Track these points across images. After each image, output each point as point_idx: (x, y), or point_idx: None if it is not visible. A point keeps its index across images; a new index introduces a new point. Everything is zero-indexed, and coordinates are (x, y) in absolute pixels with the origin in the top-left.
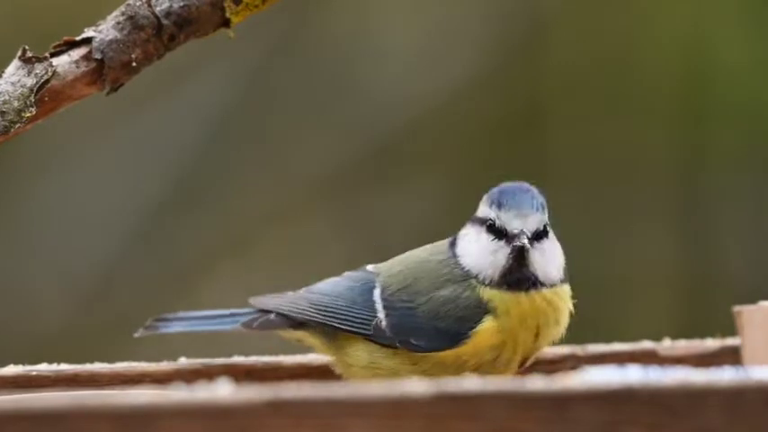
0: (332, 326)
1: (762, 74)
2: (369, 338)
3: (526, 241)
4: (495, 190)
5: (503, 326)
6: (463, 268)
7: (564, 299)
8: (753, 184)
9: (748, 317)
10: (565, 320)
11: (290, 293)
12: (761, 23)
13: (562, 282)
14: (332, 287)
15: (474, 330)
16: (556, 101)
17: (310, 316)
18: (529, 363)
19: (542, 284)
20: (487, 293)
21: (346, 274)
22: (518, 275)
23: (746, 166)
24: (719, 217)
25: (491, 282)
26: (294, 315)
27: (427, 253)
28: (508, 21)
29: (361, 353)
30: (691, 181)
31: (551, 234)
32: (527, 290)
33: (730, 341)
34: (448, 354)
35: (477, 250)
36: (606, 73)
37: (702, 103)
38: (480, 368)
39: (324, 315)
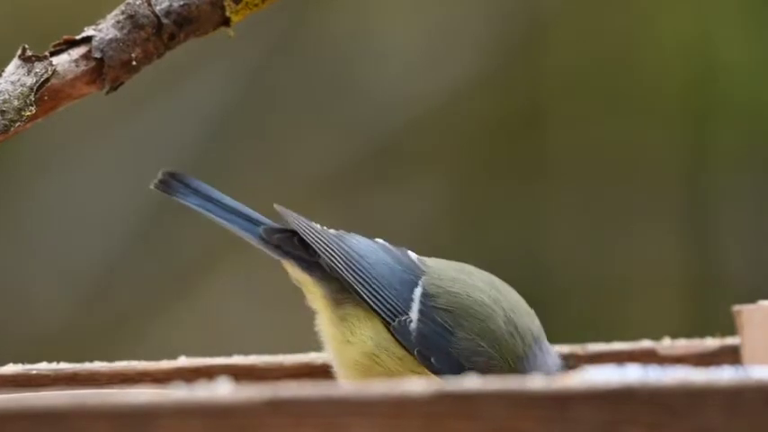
0: (356, 289)
1: (762, 74)
2: (387, 326)
3: None
4: None
5: None
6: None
7: None
8: (753, 184)
9: (748, 316)
10: None
11: (319, 227)
12: (761, 23)
13: None
14: (369, 251)
15: None
16: (556, 101)
17: (339, 267)
18: None
19: None
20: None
21: (383, 243)
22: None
23: (747, 166)
24: (720, 217)
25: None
26: (322, 253)
27: (494, 289)
28: (508, 21)
29: (367, 339)
30: (691, 181)
31: None
32: None
33: (730, 340)
34: None
35: None
36: (606, 73)
37: (703, 103)
38: None
39: (354, 275)
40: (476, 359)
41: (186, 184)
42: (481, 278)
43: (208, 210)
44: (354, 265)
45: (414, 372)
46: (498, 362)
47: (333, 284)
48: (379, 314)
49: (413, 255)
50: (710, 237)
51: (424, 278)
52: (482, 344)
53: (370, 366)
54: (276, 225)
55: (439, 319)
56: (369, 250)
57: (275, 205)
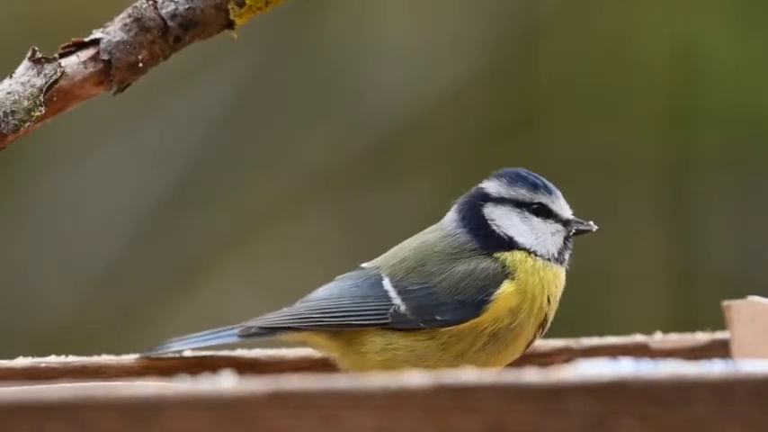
0: (345, 324)
1: (747, 75)
2: (385, 327)
3: (592, 226)
4: (525, 174)
5: (521, 287)
6: (517, 244)
7: (564, 280)
8: (737, 182)
9: (737, 311)
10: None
11: (286, 309)
12: (747, 26)
13: None
14: (329, 291)
15: (496, 294)
16: (550, 102)
17: (314, 322)
18: (542, 335)
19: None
20: (520, 259)
21: (339, 277)
22: (568, 253)
23: (731, 164)
24: (707, 214)
25: (549, 257)
26: (296, 327)
27: (424, 236)
28: (504, 24)
29: (373, 339)
30: (679, 179)
31: None
32: (562, 264)
33: (720, 335)
34: (466, 324)
35: (530, 230)
36: (597, 75)
37: (689, 103)
38: (496, 335)
39: (330, 317)
40: (464, 284)
41: (170, 342)
42: (413, 237)
43: (190, 343)
44: (323, 310)
45: (428, 337)
46: (477, 267)
47: (322, 331)
48: (373, 326)
49: (366, 264)
50: (698, 233)
51: (381, 271)
52: (456, 269)
53: (393, 356)
54: (248, 324)
55: (414, 287)
56: (326, 292)
57: (244, 324)
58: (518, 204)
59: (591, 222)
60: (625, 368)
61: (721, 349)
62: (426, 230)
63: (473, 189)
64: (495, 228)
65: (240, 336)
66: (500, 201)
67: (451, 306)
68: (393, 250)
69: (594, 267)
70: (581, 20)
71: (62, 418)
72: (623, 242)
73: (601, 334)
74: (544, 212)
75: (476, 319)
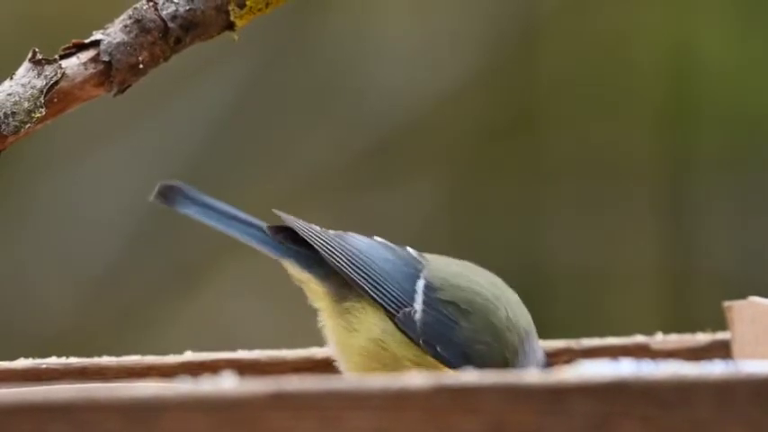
0: (361, 285)
1: (745, 76)
2: (391, 318)
3: None
4: None
5: None
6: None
7: None
8: (736, 183)
9: (738, 312)
10: None
11: (318, 228)
12: (745, 26)
13: None
14: (370, 248)
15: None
16: (549, 103)
17: (342, 264)
18: None
19: None
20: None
21: (382, 240)
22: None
23: (732, 164)
24: (707, 214)
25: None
26: (323, 250)
27: (498, 302)
28: (503, 25)
29: (373, 325)
30: (678, 180)
31: None
32: None
33: (720, 335)
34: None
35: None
36: (597, 76)
37: (689, 104)
38: None
39: (356, 270)
40: (478, 348)
41: (185, 194)
42: (483, 275)
43: (208, 217)
44: (356, 261)
45: (418, 358)
46: (497, 355)
47: (334, 281)
48: (383, 306)
49: (412, 250)
50: (696, 233)
51: (425, 271)
52: (485, 336)
53: (377, 352)
54: (277, 225)
55: (443, 310)
56: (369, 247)
57: (274, 210)
58: None
59: None
60: (626, 369)
61: (722, 350)
62: (499, 288)
63: None
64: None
65: (260, 241)
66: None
67: (457, 351)
68: (452, 268)
69: (594, 268)
70: (581, 20)
71: (63, 419)
72: (623, 242)
73: (601, 334)
74: None
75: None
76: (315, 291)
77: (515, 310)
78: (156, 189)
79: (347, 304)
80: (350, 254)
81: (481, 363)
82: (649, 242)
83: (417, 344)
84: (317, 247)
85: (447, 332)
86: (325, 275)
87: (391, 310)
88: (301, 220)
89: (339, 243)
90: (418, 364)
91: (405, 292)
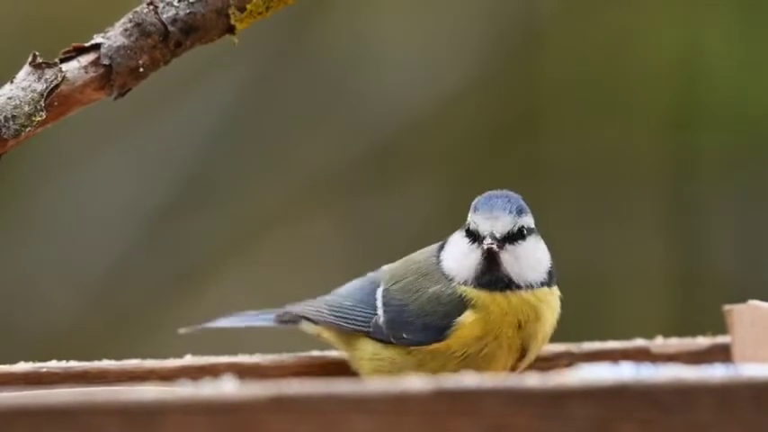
0: (338, 324)
1: (749, 78)
2: (368, 335)
3: (493, 243)
4: (486, 195)
5: (482, 318)
6: (443, 271)
7: (543, 300)
8: (738, 187)
9: (738, 315)
10: (548, 320)
11: (320, 297)
12: (749, 29)
13: (545, 284)
14: (347, 289)
15: (456, 321)
16: (550, 106)
17: (324, 317)
18: (526, 363)
19: (517, 286)
20: (466, 291)
21: (369, 275)
22: (489, 277)
23: (732, 169)
24: (709, 218)
25: (467, 283)
26: (313, 317)
27: (420, 254)
28: (505, 29)
29: (365, 346)
30: (681, 182)
31: (532, 237)
32: (501, 290)
33: (721, 339)
34: (435, 347)
35: (455, 254)
36: (598, 79)
37: (692, 106)
38: (468, 359)
39: (334, 316)
40: (431, 306)
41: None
42: (422, 250)
43: (236, 322)
44: (333, 307)
45: (406, 352)
46: (444, 290)
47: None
48: (357, 330)
49: (385, 267)
50: (700, 238)
51: (383, 278)
52: (427, 290)
53: (379, 366)
54: (282, 311)
55: (394, 301)
56: (345, 288)
57: (287, 306)
58: (464, 229)
59: (487, 239)
60: (626, 372)
61: (722, 353)
62: (431, 246)
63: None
64: (442, 251)
65: (276, 321)
66: (463, 226)
67: (417, 327)
68: (403, 258)
69: (596, 271)
70: (583, 22)
71: (63, 423)
72: (625, 245)
73: (602, 338)
74: (470, 234)
75: (438, 344)
76: (330, 339)
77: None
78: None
79: (348, 338)
80: (331, 304)
81: (442, 315)
82: (652, 245)
83: (391, 342)
84: (306, 314)
85: (403, 317)
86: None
87: (363, 329)
88: (302, 303)
89: (325, 300)
90: (408, 354)
91: (369, 307)
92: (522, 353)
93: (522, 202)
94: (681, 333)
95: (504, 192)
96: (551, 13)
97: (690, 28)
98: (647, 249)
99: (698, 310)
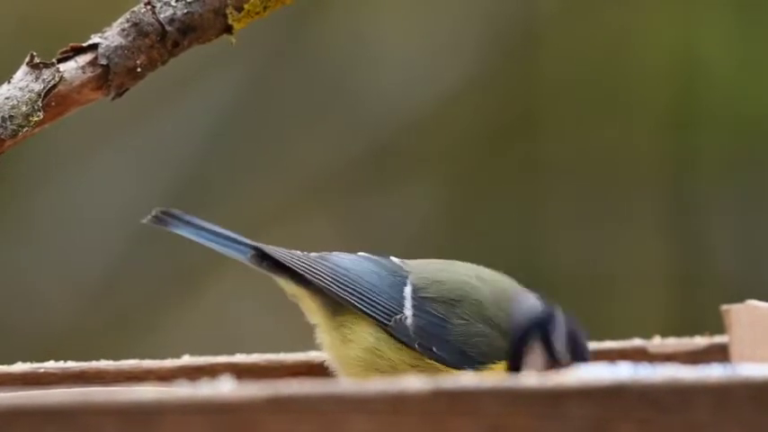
0: (348, 301)
1: (747, 78)
2: (384, 328)
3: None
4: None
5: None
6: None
7: None
8: (738, 186)
9: (736, 315)
10: None
11: (300, 253)
12: (748, 29)
13: None
14: (354, 264)
15: (491, 366)
16: (549, 106)
17: (327, 284)
18: None
19: None
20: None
21: (364, 254)
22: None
23: (732, 168)
24: (707, 218)
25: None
26: (309, 277)
27: (477, 279)
28: (504, 29)
29: (366, 335)
30: (679, 183)
31: None
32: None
33: (718, 339)
34: (457, 372)
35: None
36: (597, 79)
37: (691, 106)
38: None
39: (341, 287)
40: (475, 340)
41: (178, 218)
42: (463, 266)
43: (201, 237)
44: (341, 278)
45: (415, 361)
46: (495, 340)
47: (327, 296)
48: (374, 318)
49: (395, 259)
50: (698, 237)
51: (410, 276)
52: (478, 326)
53: (373, 361)
54: (264, 250)
55: (432, 310)
56: (353, 263)
57: (256, 244)
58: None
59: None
60: (624, 372)
61: (720, 353)
62: (483, 272)
63: (559, 315)
64: (522, 342)
65: (251, 257)
66: (544, 339)
67: (452, 349)
68: (434, 266)
69: (595, 271)
70: (581, 23)
71: (61, 423)
72: (625, 246)
73: (599, 338)
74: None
75: (466, 372)
76: (309, 306)
77: (496, 279)
78: (152, 213)
79: (341, 318)
80: (335, 273)
81: (480, 353)
82: (651, 245)
83: (413, 348)
84: (300, 271)
85: (440, 332)
86: (317, 291)
87: (382, 320)
88: (282, 249)
89: (323, 264)
90: (415, 367)
91: (393, 301)
92: None
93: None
94: (679, 333)
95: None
96: (550, 13)
97: (689, 27)
98: (646, 249)
99: (697, 310)
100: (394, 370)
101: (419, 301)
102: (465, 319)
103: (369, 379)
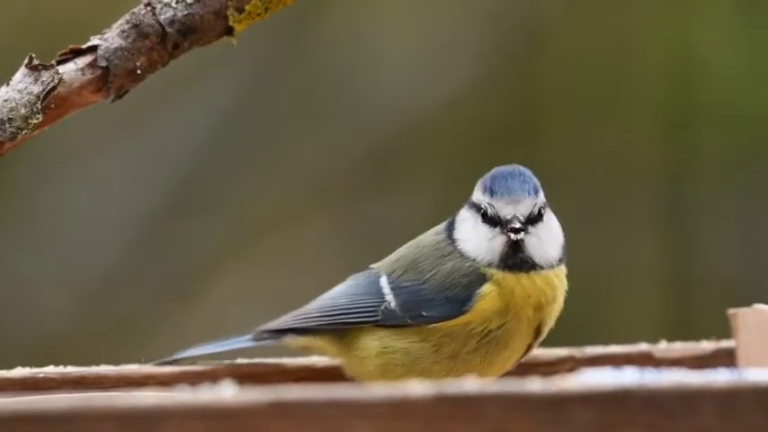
0: (338, 322)
1: (748, 79)
2: (377, 325)
3: (520, 231)
4: (488, 175)
5: (503, 290)
6: (462, 252)
7: (561, 279)
8: (736, 188)
9: (742, 319)
10: (561, 299)
11: (294, 312)
12: (749, 30)
13: (561, 261)
14: (334, 291)
15: (478, 292)
16: (550, 109)
17: (317, 322)
18: (537, 343)
19: (540, 267)
20: (490, 272)
21: (351, 277)
22: (515, 260)
23: (734, 168)
24: (710, 219)
25: (491, 265)
26: (299, 327)
27: (425, 239)
28: (505, 31)
29: (371, 342)
30: (680, 184)
31: (548, 215)
32: (526, 271)
33: (725, 343)
34: (456, 323)
35: (474, 236)
36: (597, 82)
37: (690, 107)
38: (488, 337)
39: (330, 316)
40: (451, 279)
41: (175, 356)
42: (414, 240)
43: (202, 349)
44: (324, 309)
45: (421, 338)
46: (465, 269)
47: (327, 331)
48: (363, 322)
49: (373, 265)
50: (699, 238)
51: (383, 269)
52: (444, 263)
53: (390, 360)
54: (260, 328)
55: (406, 283)
56: (336, 290)
57: (255, 330)
58: (476, 208)
59: (514, 225)
60: (629, 377)
61: (727, 358)
62: (431, 230)
63: None
64: (454, 231)
65: (253, 340)
66: (470, 204)
67: (438, 302)
68: (397, 252)
69: (597, 274)
70: (582, 24)
71: (61, 429)
72: (625, 248)
73: (605, 342)
74: (487, 216)
75: (463, 317)
76: (320, 346)
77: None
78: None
79: (345, 341)
80: (321, 308)
81: (463, 287)
82: (652, 248)
83: (407, 324)
84: (289, 326)
85: (420, 295)
86: (320, 333)
87: (369, 318)
88: (280, 318)
89: (310, 307)
90: (424, 341)
91: (374, 296)
92: (537, 333)
93: (535, 179)
94: (684, 337)
95: (514, 167)
96: (552, 16)
97: (688, 27)
98: (648, 252)
99: (699, 313)
100: (409, 357)
101: (394, 282)
102: (432, 269)
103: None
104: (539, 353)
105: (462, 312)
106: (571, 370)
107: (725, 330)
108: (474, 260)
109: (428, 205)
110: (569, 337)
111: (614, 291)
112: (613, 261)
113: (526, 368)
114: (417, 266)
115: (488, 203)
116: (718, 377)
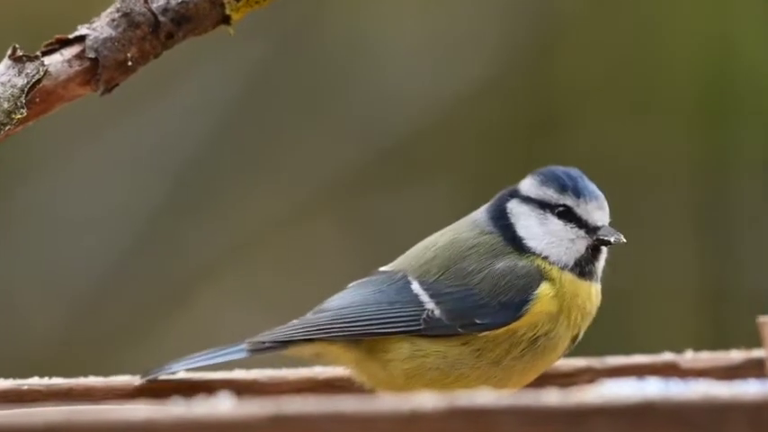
0: (371, 333)
1: None
2: (418, 334)
3: (618, 238)
4: (560, 173)
5: (559, 292)
6: (527, 248)
7: (599, 293)
8: None
9: None
10: (595, 313)
11: (295, 321)
12: None
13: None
14: (350, 299)
15: (535, 293)
16: (571, 104)
17: (337, 332)
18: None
19: (597, 278)
20: (546, 266)
21: (354, 284)
22: (591, 267)
23: None
24: (742, 225)
25: (563, 266)
26: (315, 338)
27: (455, 233)
28: (521, 23)
29: (400, 345)
30: (712, 188)
31: None
32: (590, 279)
33: (755, 353)
34: (503, 329)
35: (548, 235)
36: (622, 76)
37: (724, 105)
38: (535, 342)
39: (355, 326)
40: (506, 281)
41: (164, 367)
42: (433, 236)
43: (195, 361)
44: (350, 317)
45: (462, 342)
46: (519, 269)
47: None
48: (405, 332)
49: (384, 268)
50: (731, 244)
51: (408, 273)
52: (496, 264)
53: (421, 363)
54: (259, 338)
55: (449, 288)
56: (352, 296)
57: (248, 340)
58: (542, 205)
59: (620, 234)
60: (653, 389)
61: (757, 368)
62: (451, 228)
63: (507, 187)
64: (512, 225)
65: (249, 351)
66: (526, 199)
67: (493, 308)
68: (416, 250)
69: (620, 281)
70: (605, 15)
71: None
72: (651, 254)
73: (627, 352)
74: (568, 216)
75: (514, 324)
76: (332, 351)
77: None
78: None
79: (366, 344)
80: (342, 317)
81: (518, 290)
82: (680, 254)
83: (456, 334)
84: (308, 336)
85: (470, 301)
86: (333, 340)
87: (411, 328)
88: (272, 330)
89: (324, 315)
90: (465, 344)
91: (410, 304)
92: (575, 338)
93: None
94: (712, 347)
95: (575, 170)
96: (574, 4)
97: (723, 17)
98: (675, 257)
99: (730, 323)
100: (446, 361)
101: (431, 287)
102: (480, 270)
103: (428, 384)
104: (556, 363)
105: (517, 318)
106: (591, 381)
107: (758, 342)
108: (540, 256)
109: (437, 203)
110: (590, 349)
111: (642, 300)
112: (638, 268)
113: (543, 379)
114: (459, 268)
115: (574, 204)
116: (749, 389)
